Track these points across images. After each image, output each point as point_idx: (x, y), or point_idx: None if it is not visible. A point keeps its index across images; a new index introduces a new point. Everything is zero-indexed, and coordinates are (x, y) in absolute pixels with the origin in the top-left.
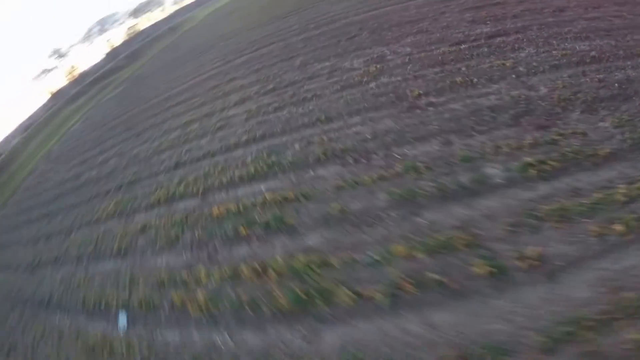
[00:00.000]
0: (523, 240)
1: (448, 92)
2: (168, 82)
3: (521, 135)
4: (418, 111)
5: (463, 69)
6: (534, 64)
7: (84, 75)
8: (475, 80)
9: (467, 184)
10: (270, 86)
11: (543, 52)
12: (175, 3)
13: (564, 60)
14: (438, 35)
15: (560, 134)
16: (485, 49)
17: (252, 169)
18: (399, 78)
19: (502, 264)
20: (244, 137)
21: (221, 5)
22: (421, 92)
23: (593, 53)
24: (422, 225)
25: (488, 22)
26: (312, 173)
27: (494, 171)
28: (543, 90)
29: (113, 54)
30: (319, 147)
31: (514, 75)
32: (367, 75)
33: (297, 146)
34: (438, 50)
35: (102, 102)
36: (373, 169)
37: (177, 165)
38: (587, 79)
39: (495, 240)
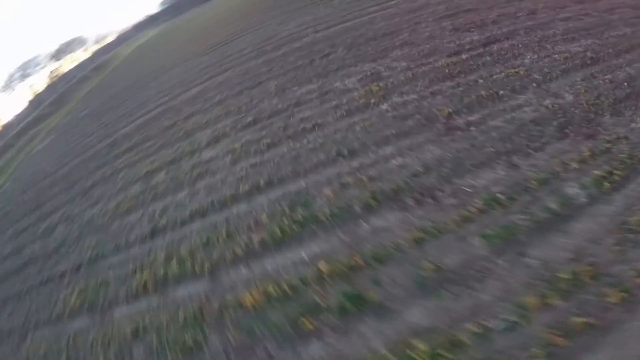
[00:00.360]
0: (632, 257)
1: (478, 107)
2: (106, 126)
3: (576, 147)
4: (460, 133)
5: (480, 81)
6: (545, 69)
7: (7, 127)
8: (500, 92)
9: (557, 209)
10: (249, 118)
11: (545, 57)
12: (97, 42)
13: (569, 64)
14: (428, 46)
15: (608, 141)
16: (488, 58)
17: (275, 230)
18: (414, 96)
19: (628, 286)
20: (243, 187)
21: (145, 40)
22: (450, 110)
23: (589, 54)
24: (536, 266)
25: (472, 29)
26: (366, 226)
27: (574, 190)
28: (568, 96)
29: (37, 100)
30: (361, 190)
31: (534, 84)
32: (372, 95)
33: (327, 192)
34: (438, 63)
35: (32, 156)
36: (447, 209)
37: (154, 233)
38: (599, 81)
39: (611, 263)
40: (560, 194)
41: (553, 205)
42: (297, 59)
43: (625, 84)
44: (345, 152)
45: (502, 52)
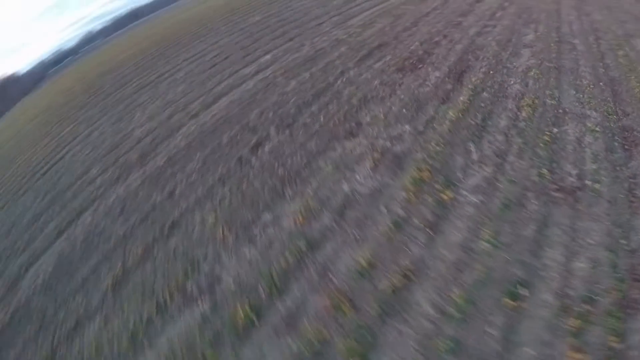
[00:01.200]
0: None
1: (556, 155)
2: None
3: None
4: (582, 193)
5: (520, 124)
6: (547, 91)
7: None
8: (553, 130)
9: None
10: (235, 309)
11: (525, 78)
12: None
13: (551, 78)
14: (402, 97)
15: None
16: (485, 94)
17: None
18: (486, 169)
19: None
20: None
21: None
22: (544, 170)
23: (546, 64)
24: None
25: (418, 66)
26: None
27: None
28: (591, 112)
29: None
30: (599, 325)
31: (559, 110)
32: (429, 187)
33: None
34: (447, 115)
35: None
36: None
37: None
38: (585, 88)
39: None
40: None
41: None
42: (205, 164)
43: (601, 83)
44: (518, 288)
45: (488, 83)
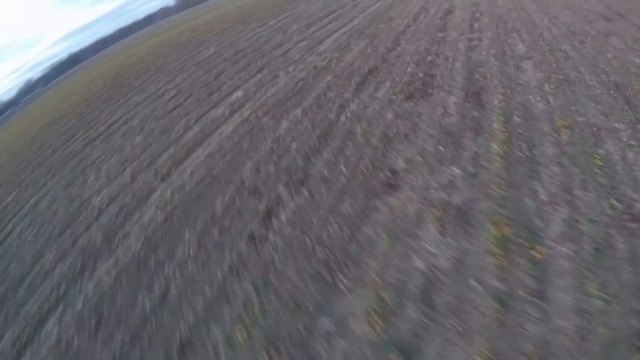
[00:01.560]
0: None
1: (612, 181)
2: None
3: None
4: None
5: (567, 147)
6: (572, 108)
7: None
8: (599, 151)
9: None
10: None
11: (546, 94)
12: None
13: (567, 91)
14: (433, 133)
15: None
16: (518, 119)
17: None
18: (562, 210)
19: None
20: None
21: None
22: (612, 200)
23: (556, 76)
24: None
25: (428, 91)
26: None
27: None
28: (620, 125)
29: None
30: None
31: (593, 128)
32: (518, 248)
33: None
34: (493, 149)
35: None
36: None
37: None
38: (602, 99)
39: None
40: None
41: None
42: (202, 248)
43: (611, 91)
44: None
45: (511, 105)
